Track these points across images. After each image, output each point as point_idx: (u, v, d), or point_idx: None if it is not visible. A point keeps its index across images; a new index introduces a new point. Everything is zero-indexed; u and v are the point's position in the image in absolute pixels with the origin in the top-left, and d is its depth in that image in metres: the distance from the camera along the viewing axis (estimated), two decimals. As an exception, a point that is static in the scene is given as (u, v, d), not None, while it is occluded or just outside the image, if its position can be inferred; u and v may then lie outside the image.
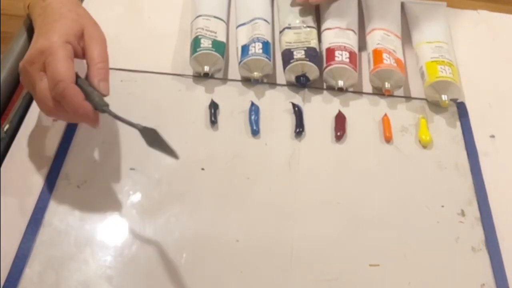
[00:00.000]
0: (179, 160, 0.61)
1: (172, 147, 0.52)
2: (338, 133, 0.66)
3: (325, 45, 0.72)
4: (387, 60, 0.69)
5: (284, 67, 0.70)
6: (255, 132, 0.65)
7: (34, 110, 0.65)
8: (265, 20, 0.74)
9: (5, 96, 0.64)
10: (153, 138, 0.53)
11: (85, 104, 0.53)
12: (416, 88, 0.72)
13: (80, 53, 0.56)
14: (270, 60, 0.69)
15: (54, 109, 0.53)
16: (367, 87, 0.72)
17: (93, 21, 0.59)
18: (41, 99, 0.53)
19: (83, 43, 0.56)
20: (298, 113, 0.68)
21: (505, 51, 0.80)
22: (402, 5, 0.81)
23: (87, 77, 0.55)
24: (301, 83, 0.70)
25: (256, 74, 0.69)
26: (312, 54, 0.69)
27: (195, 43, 0.69)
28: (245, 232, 0.57)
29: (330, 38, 0.72)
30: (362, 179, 0.63)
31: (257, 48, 0.69)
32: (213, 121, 0.66)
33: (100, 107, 0.53)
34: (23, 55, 0.55)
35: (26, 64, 0.54)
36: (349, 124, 0.67)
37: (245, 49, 0.70)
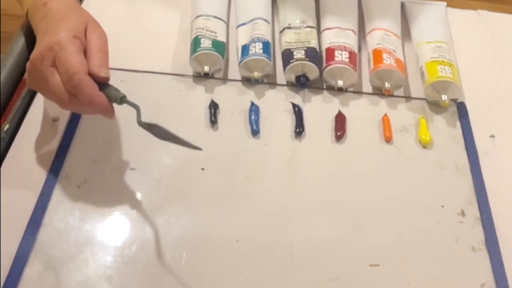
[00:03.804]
0: (179, 160, 0.61)
1: (184, 139, 0.53)
2: (338, 133, 0.66)
3: (325, 45, 0.72)
4: (387, 60, 0.69)
5: (284, 67, 0.70)
6: (255, 132, 0.65)
7: (34, 110, 0.65)
8: (265, 20, 0.74)
9: (5, 96, 0.64)
10: (161, 132, 0.53)
11: (100, 94, 0.54)
12: (416, 88, 0.72)
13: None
14: (270, 60, 0.69)
15: (69, 102, 0.54)
16: (367, 87, 0.72)
17: (95, 20, 0.59)
18: (55, 93, 0.54)
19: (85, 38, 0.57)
20: (298, 113, 0.68)
21: (505, 51, 0.80)
22: (402, 5, 0.81)
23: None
24: (301, 83, 0.70)
25: (256, 74, 0.69)
26: (312, 54, 0.69)
27: (195, 43, 0.69)
28: (245, 232, 0.57)
29: (330, 38, 0.72)
30: (362, 179, 0.63)
31: (257, 48, 0.69)
32: (213, 121, 0.66)
33: (119, 99, 0.54)
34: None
35: (36, 62, 0.54)
36: (349, 124, 0.67)
37: (245, 49, 0.70)
